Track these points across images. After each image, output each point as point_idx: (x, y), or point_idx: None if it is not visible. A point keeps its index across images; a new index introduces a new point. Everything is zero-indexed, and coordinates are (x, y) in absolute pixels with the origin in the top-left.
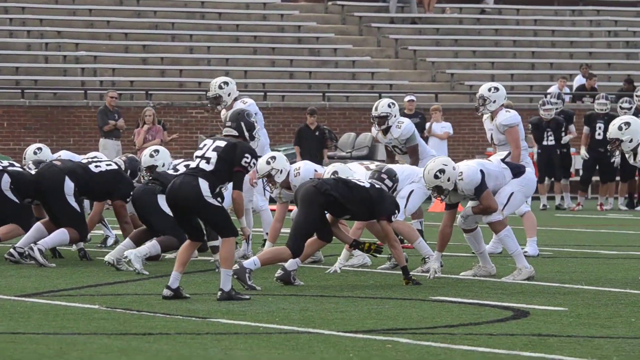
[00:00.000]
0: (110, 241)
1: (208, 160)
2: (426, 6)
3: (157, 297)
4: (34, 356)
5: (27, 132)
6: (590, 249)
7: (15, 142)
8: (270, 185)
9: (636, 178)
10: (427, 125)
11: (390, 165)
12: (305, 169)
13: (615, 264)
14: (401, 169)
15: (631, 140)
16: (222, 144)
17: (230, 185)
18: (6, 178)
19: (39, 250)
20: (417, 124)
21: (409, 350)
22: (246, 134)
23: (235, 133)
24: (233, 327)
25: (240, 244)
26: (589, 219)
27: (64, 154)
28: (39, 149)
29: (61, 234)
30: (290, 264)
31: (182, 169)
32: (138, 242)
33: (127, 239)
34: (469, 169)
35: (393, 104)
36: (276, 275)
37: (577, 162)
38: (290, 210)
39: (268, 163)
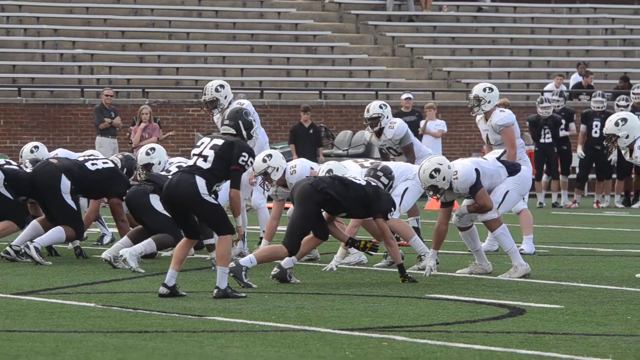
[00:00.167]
0: (106, 239)
1: (205, 158)
2: (423, 4)
3: (153, 295)
4: (30, 354)
5: (24, 130)
6: (587, 246)
7: (12, 140)
8: (266, 183)
9: (632, 176)
10: (422, 123)
11: (385, 163)
12: (302, 167)
13: (612, 261)
14: (395, 166)
15: (627, 136)
16: (220, 142)
17: (226, 183)
18: (0, 175)
19: (35, 248)
20: (413, 121)
21: (405, 348)
22: (244, 132)
23: (233, 131)
24: (229, 325)
25: (236, 243)
26: (585, 217)
27: (61, 152)
28: (36, 147)
29: (57, 232)
30: (286, 262)
31: (174, 169)
32: (136, 241)
33: (125, 237)
34: (463, 167)
35: (385, 105)
36: (272, 273)
37: (574, 160)
38: (287, 208)
39: (264, 161)
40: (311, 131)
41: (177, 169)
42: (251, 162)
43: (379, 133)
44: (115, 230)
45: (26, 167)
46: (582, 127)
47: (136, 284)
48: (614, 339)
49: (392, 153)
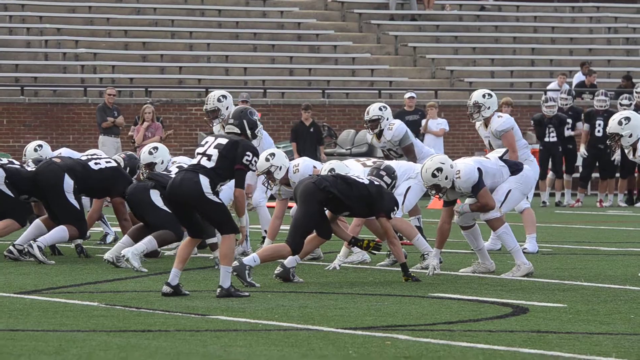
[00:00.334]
0: (109, 238)
1: (209, 157)
2: (426, 3)
3: (156, 294)
4: (34, 353)
5: (27, 130)
6: (590, 245)
7: (15, 140)
8: (269, 182)
9: (635, 175)
10: (423, 122)
11: (388, 162)
12: (304, 166)
13: (615, 260)
14: (398, 165)
15: (631, 135)
16: (224, 141)
17: (230, 182)
18: (1, 173)
19: (38, 247)
20: (416, 120)
21: (408, 347)
22: (248, 132)
23: (237, 131)
24: (232, 324)
25: (240, 243)
26: (588, 216)
27: (64, 152)
28: (40, 146)
29: (60, 231)
30: (290, 261)
31: (174, 169)
32: (136, 239)
33: (126, 236)
34: (466, 167)
35: (384, 107)
36: (275, 272)
37: (577, 159)
38: (290, 207)
39: (267, 160)
40: (312, 129)
41: (177, 169)
42: (255, 162)
43: (379, 135)
44: (118, 229)
45: (29, 166)
46: (585, 126)
47: (139, 283)
48: (617, 338)
49: (393, 155)
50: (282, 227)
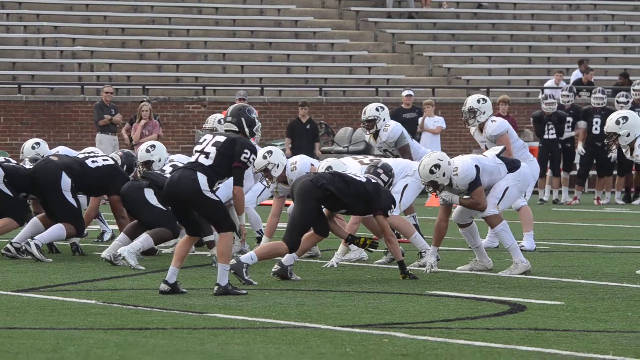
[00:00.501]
0: (106, 236)
1: (207, 155)
2: (423, 1)
3: (153, 292)
4: (31, 351)
5: (24, 127)
6: (587, 243)
7: (12, 137)
8: (267, 179)
9: (633, 172)
10: (420, 120)
11: (385, 160)
12: (302, 163)
13: (612, 257)
14: (395, 163)
15: (628, 135)
16: (222, 139)
17: (227, 181)
18: (0, 172)
19: (36, 245)
20: (413, 118)
21: (406, 345)
22: (246, 129)
23: (235, 128)
24: (230, 322)
25: (243, 242)
26: (585, 213)
27: (62, 150)
28: (37, 143)
29: (58, 229)
30: (287, 258)
31: (168, 168)
32: (133, 236)
33: (122, 234)
34: (463, 164)
35: (382, 107)
36: (273, 270)
37: (575, 157)
38: (287, 205)
39: (265, 157)
40: (308, 126)
41: (171, 168)
42: (253, 159)
43: (375, 135)
44: (116, 227)
45: (26, 164)
46: (583, 123)
47: (137, 281)
48: (614, 336)
49: (389, 155)
50: (279, 225)
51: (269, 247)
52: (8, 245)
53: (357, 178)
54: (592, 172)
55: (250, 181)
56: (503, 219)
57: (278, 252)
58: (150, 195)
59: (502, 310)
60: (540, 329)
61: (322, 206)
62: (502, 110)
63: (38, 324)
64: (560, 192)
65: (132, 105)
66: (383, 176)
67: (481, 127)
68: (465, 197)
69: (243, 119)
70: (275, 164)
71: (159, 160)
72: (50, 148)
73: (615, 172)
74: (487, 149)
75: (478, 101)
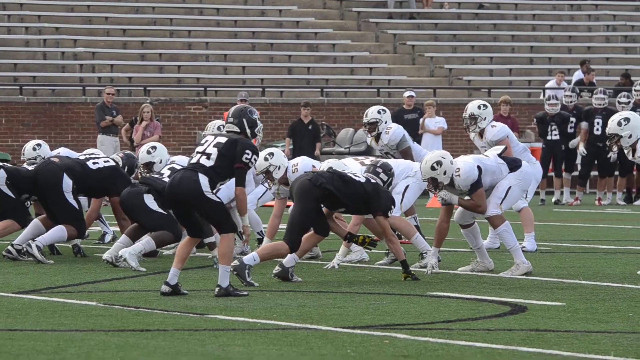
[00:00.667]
0: (108, 238)
1: (208, 156)
2: (424, 1)
3: (154, 294)
4: (32, 353)
5: (26, 129)
6: (588, 243)
7: (13, 139)
8: (268, 181)
9: (634, 173)
10: (421, 121)
11: (385, 160)
12: (303, 165)
13: (613, 258)
14: (396, 163)
15: (630, 136)
16: (223, 140)
17: (228, 182)
18: (2, 173)
19: (37, 247)
20: (415, 119)
21: (407, 346)
22: (248, 130)
23: (237, 129)
24: (231, 324)
25: (246, 243)
26: (587, 214)
27: (63, 151)
28: (38, 145)
29: (59, 231)
30: (288, 260)
31: (166, 171)
32: (134, 238)
33: (124, 236)
34: (466, 164)
35: (383, 110)
36: (274, 271)
37: (576, 158)
38: (289, 206)
39: (266, 159)
40: (310, 127)
41: (169, 171)
42: (255, 160)
43: (377, 138)
44: (117, 228)
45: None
46: (584, 124)
47: (138, 283)
48: (615, 336)
49: (391, 157)
50: (281, 225)
51: (270, 247)
52: (9, 247)
53: (356, 178)
54: (594, 173)
55: (250, 185)
56: (506, 219)
57: (279, 253)
58: (149, 200)
59: (503, 311)
60: (542, 330)
61: (322, 205)
62: (503, 111)
63: (39, 326)
64: (562, 193)
65: (134, 106)
66: (382, 175)
67: (481, 133)
68: (465, 198)
69: (244, 120)
70: (277, 166)
71: (160, 162)
72: (52, 149)
73: (616, 173)
74: None
75: (479, 107)
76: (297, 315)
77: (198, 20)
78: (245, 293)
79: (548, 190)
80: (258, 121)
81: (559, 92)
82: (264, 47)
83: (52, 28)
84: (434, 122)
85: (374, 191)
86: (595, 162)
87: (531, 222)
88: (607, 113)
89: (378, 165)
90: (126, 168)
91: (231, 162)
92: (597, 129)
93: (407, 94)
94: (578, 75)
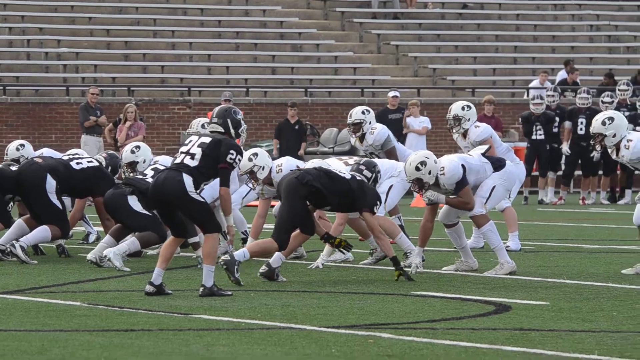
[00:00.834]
0: (92, 238)
1: (192, 156)
2: (408, 1)
3: (139, 294)
4: (16, 353)
5: (9, 129)
6: (572, 243)
7: None
8: (252, 181)
9: (618, 172)
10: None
11: (368, 158)
12: (287, 165)
13: (597, 257)
14: (380, 163)
15: (614, 135)
16: (207, 140)
17: (213, 181)
18: None
19: (21, 247)
20: (399, 119)
21: (391, 345)
22: (232, 131)
23: (221, 129)
24: (215, 323)
25: (231, 243)
26: (571, 213)
27: (46, 152)
28: (22, 145)
29: (43, 231)
30: (275, 260)
31: (150, 172)
32: (118, 238)
33: (108, 236)
34: (450, 163)
35: (367, 110)
36: (260, 270)
37: (561, 157)
38: (273, 206)
39: (250, 160)
40: (297, 127)
41: (153, 172)
42: (239, 160)
43: (361, 138)
44: (100, 228)
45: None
46: (568, 123)
47: (122, 283)
48: (599, 336)
49: (375, 157)
50: (265, 225)
51: (260, 244)
52: None
53: (342, 175)
54: (578, 173)
55: (234, 184)
56: (490, 219)
57: (269, 250)
58: (133, 202)
59: (487, 311)
60: (526, 329)
61: (308, 203)
62: (487, 111)
63: (23, 326)
64: (556, 192)
65: (117, 106)
66: (366, 172)
67: (465, 133)
68: (451, 196)
69: (229, 120)
70: (261, 167)
71: (144, 162)
72: (35, 150)
73: (600, 172)
74: None
75: (462, 108)
76: (281, 314)
77: (182, 20)
78: (229, 293)
79: (532, 190)
80: (242, 122)
81: (542, 92)
82: (247, 47)
83: (35, 28)
84: (418, 122)
85: (360, 188)
86: (579, 161)
87: (515, 222)
88: (590, 113)
89: (361, 162)
90: (109, 168)
91: (215, 162)
92: (581, 129)
93: (391, 94)
94: (562, 75)
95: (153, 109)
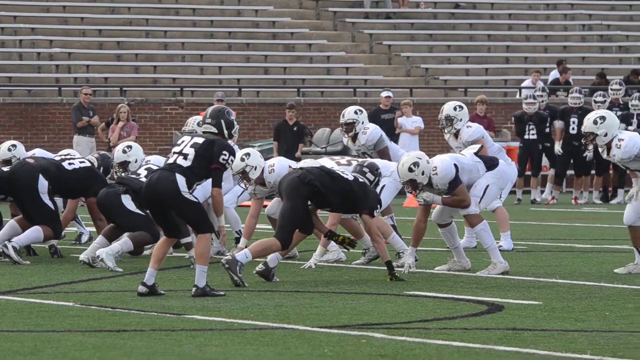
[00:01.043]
0: (84, 238)
1: (185, 156)
2: (400, 1)
3: (131, 294)
4: (9, 354)
5: (1, 130)
6: (565, 242)
7: None
8: (245, 181)
9: (610, 172)
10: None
11: (372, 160)
12: (280, 166)
13: (590, 257)
14: None
15: (606, 135)
16: (200, 140)
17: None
18: None
19: (13, 247)
20: (392, 119)
21: (384, 345)
22: (225, 132)
23: (214, 130)
24: (208, 324)
25: (224, 243)
26: (563, 213)
27: (38, 152)
28: (14, 145)
29: (35, 232)
30: (272, 260)
31: (143, 171)
32: (111, 238)
33: (100, 236)
34: (442, 163)
35: (360, 110)
36: (257, 268)
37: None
38: (265, 206)
39: (242, 160)
40: (295, 128)
41: (146, 171)
42: (232, 161)
43: (354, 138)
44: (93, 229)
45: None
46: (560, 123)
47: (114, 283)
48: (592, 335)
49: (367, 157)
50: (257, 226)
51: (262, 244)
52: None
53: (344, 176)
54: (570, 172)
55: (229, 183)
56: (483, 218)
57: (272, 250)
58: (127, 201)
59: (480, 311)
60: (518, 329)
61: (309, 202)
62: (479, 111)
63: (16, 327)
64: (541, 191)
65: (110, 107)
66: (369, 175)
67: (456, 134)
68: (446, 196)
69: (222, 121)
70: (253, 167)
71: (136, 161)
72: (28, 150)
73: (593, 172)
74: None
75: (455, 109)
76: (274, 315)
77: (174, 20)
78: (222, 293)
79: (525, 190)
80: (235, 122)
81: (530, 92)
82: (240, 47)
83: (27, 29)
84: (411, 122)
85: (362, 190)
86: (572, 161)
87: (506, 221)
88: (582, 112)
89: (365, 165)
90: (101, 169)
91: (208, 163)
92: (573, 128)
93: (384, 94)
94: (554, 74)
95: (145, 109)
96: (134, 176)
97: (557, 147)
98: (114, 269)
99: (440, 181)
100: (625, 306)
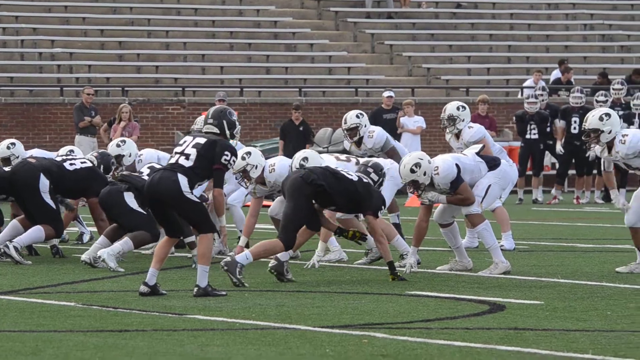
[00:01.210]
0: (85, 238)
1: (187, 156)
2: (402, 0)
3: (133, 294)
4: (10, 354)
5: (3, 130)
6: (567, 242)
7: None
8: (245, 180)
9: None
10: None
11: (375, 159)
12: (280, 165)
13: (592, 257)
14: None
15: (610, 132)
16: (202, 140)
17: (206, 182)
18: None
19: (15, 247)
20: (394, 119)
21: (385, 345)
22: (227, 132)
23: (216, 130)
24: (209, 324)
25: (224, 243)
26: (565, 213)
27: (37, 152)
28: (13, 144)
29: (37, 232)
30: (283, 254)
31: (145, 170)
32: (113, 239)
33: (102, 237)
34: (444, 163)
35: (362, 114)
36: (270, 265)
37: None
38: (265, 206)
39: (243, 159)
40: (301, 128)
41: (149, 169)
42: (234, 161)
43: (358, 142)
44: (94, 229)
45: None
46: (561, 122)
47: (116, 283)
48: (593, 335)
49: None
50: (257, 225)
51: (264, 245)
52: None
53: (349, 176)
54: (572, 172)
55: (230, 183)
56: (485, 218)
57: (274, 251)
58: (129, 199)
59: (481, 310)
60: (520, 329)
61: (313, 201)
62: (481, 110)
63: (17, 327)
64: (544, 192)
65: (112, 106)
66: (373, 175)
67: (458, 134)
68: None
69: (225, 122)
70: (254, 165)
71: (130, 155)
72: (27, 150)
73: (594, 171)
74: None
75: (457, 109)
76: (275, 315)
77: (176, 20)
78: (223, 293)
79: (526, 189)
80: (237, 123)
81: (531, 91)
82: (242, 47)
83: (29, 29)
84: (413, 122)
85: (366, 190)
86: (573, 160)
87: (507, 221)
88: (584, 112)
89: (369, 165)
90: (102, 167)
91: (210, 163)
92: (575, 128)
93: (386, 94)
94: (556, 74)
95: (147, 109)
96: (136, 174)
97: (559, 147)
98: (116, 269)
99: (442, 181)
100: (627, 306)
